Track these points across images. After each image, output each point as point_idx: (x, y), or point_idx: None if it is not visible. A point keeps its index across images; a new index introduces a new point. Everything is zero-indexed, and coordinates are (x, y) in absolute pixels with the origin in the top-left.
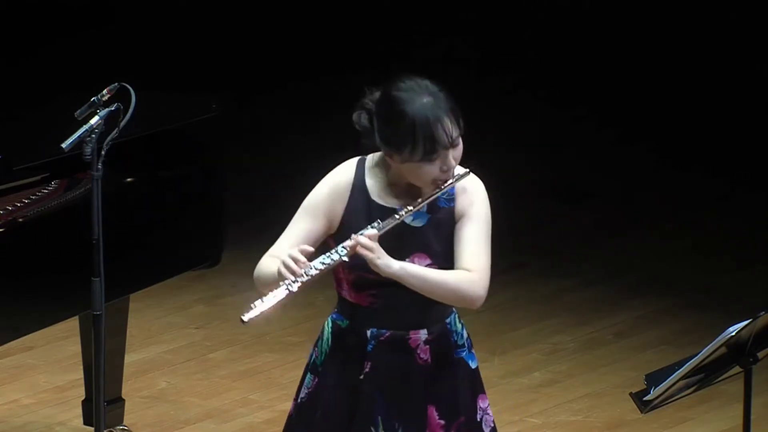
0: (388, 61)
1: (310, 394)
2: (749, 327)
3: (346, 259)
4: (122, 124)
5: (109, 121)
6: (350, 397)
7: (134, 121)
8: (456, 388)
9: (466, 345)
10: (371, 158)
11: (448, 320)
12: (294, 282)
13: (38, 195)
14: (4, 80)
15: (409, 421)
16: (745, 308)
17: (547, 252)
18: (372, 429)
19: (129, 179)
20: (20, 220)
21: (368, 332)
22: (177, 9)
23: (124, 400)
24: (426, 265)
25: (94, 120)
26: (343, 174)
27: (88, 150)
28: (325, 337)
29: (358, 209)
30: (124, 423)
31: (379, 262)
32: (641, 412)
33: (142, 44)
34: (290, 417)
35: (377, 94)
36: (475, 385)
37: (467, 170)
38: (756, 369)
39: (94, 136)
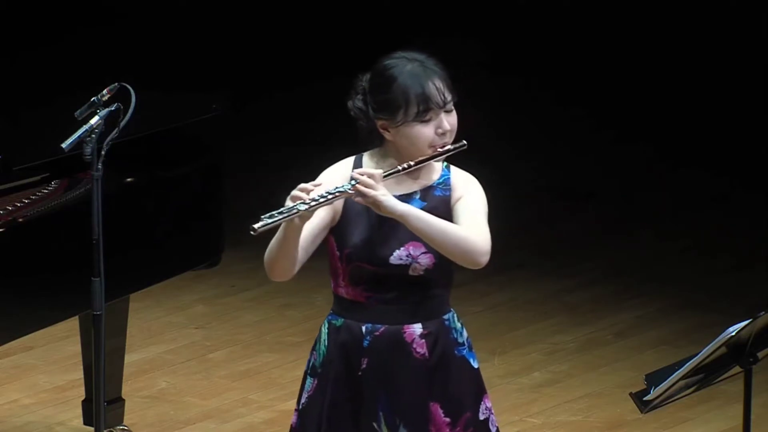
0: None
1: (310, 397)
2: (749, 327)
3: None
4: (122, 124)
5: (109, 121)
6: (352, 392)
7: (134, 121)
8: (460, 385)
9: (466, 344)
10: (368, 153)
11: (446, 317)
12: (303, 203)
13: (38, 195)
14: (4, 80)
15: (409, 416)
16: (745, 308)
17: (547, 252)
18: (374, 424)
19: (129, 179)
20: (20, 220)
21: (363, 328)
22: (177, 9)
23: (124, 400)
24: (420, 254)
25: (94, 120)
26: (342, 166)
27: (88, 150)
28: (322, 339)
29: None
30: (124, 423)
31: (383, 199)
32: (641, 412)
33: (142, 44)
34: (293, 428)
35: (368, 75)
36: (479, 385)
37: (464, 142)
38: (756, 369)
39: (94, 136)
